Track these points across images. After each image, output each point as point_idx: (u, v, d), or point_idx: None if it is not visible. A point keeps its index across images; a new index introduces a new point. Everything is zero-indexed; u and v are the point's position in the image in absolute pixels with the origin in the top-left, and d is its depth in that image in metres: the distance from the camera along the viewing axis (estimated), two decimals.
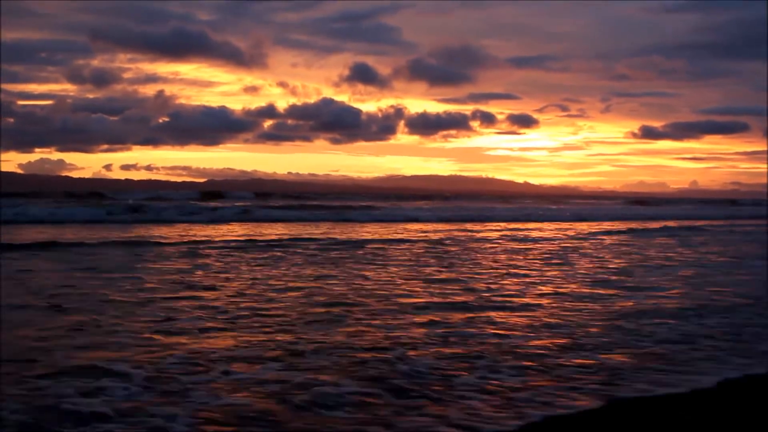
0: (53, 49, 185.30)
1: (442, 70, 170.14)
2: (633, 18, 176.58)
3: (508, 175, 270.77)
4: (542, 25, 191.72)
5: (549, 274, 13.46)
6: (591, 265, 15.16)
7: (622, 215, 50.28)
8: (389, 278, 12.52)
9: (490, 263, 15.47)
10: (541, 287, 11.60)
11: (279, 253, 17.21)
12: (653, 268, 14.73)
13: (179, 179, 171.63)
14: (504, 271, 13.78)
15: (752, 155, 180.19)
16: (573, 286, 11.80)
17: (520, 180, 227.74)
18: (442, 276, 12.93)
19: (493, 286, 11.55)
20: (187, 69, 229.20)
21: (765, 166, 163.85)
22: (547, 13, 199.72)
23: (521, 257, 17.04)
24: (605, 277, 12.96)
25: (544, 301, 10.13)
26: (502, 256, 17.12)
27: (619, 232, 28.57)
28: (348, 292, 10.80)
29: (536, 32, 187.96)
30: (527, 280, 12.54)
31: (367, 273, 13.27)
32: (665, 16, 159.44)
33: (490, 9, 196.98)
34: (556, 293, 10.91)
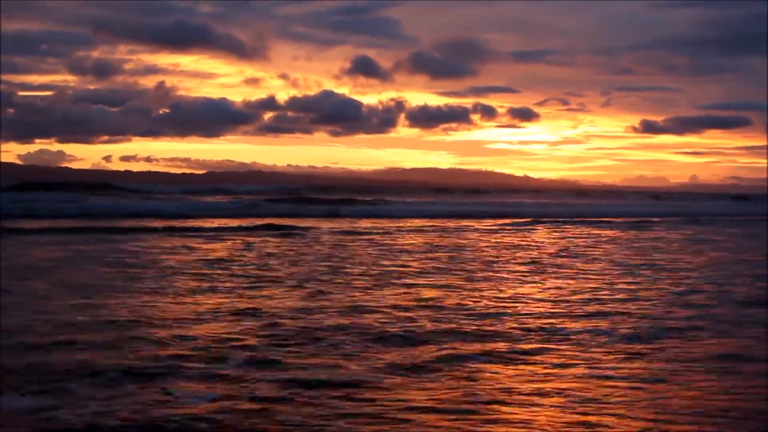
0: (54, 41, 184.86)
1: (443, 63, 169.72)
2: (634, 13, 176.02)
3: (507, 169, 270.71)
4: (544, 19, 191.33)
5: None
6: None
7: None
8: None
9: None
10: None
11: None
12: None
13: (179, 171, 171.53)
14: None
15: (752, 150, 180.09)
16: None
17: (519, 173, 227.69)
18: None
19: None
20: (188, 61, 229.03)
21: (765, 160, 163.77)
22: (549, 8, 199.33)
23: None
24: None
25: None
26: None
27: None
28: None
29: (538, 27, 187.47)
30: None
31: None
32: (667, 11, 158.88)
33: (491, 3, 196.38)
34: None
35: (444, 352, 8.12)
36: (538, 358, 8.09)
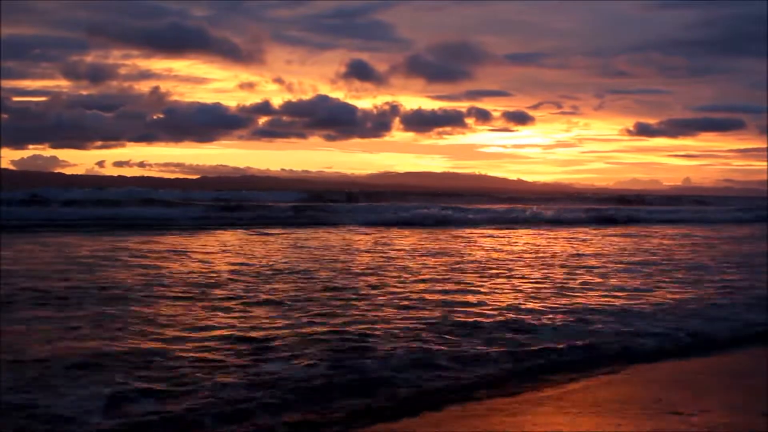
0: (48, 45, 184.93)
1: (437, 66, 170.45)
2: (628, 14, 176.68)
3: (501, 172, 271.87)
4: (538, 21, 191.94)
5: None
6: None
7: None
8: None
9: None
10: None
11: None
12: None
13: (172, 176, 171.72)
14: None
15: (745, 152, 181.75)
16: None
17: (513, 177, 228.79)
18: None
19: None
20: (181, 65, 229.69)
21: (758, 163, 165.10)
22: (543, 10, 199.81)
23: None
24: None
25: None
26: None
27: None
28: None
29: (532, 28, 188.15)
30: None
31: None
32: (660, 12, 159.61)
33: (485, 5, 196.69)
34: None
35: None
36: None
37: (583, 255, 20.30)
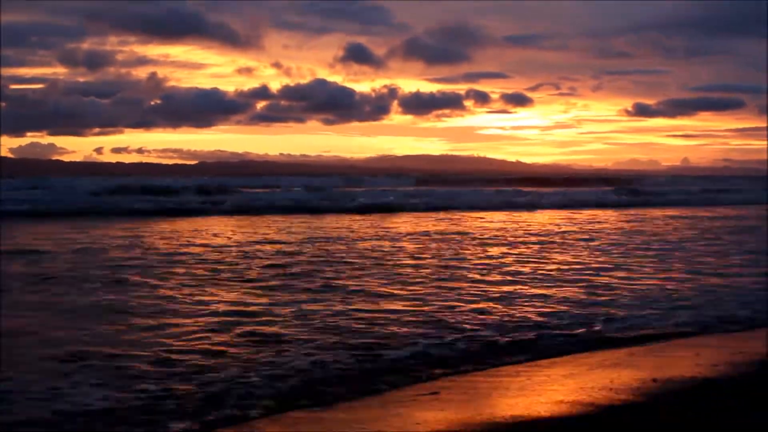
0: (45, 33, 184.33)
1: (436, 49, 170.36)
2: None
3: (499, 154, 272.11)
4: (536, 3, 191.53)
5: None
6: None
7: None
8: None
9: None
10: None
11: None
12: None
13: (170, 162, 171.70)
14: None
15: (744, 132, 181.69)
16: None
17: (512, 159, 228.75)
18: None
19: None
20: (178, 51, 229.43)
21: (758, 142, 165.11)
22: None
23: None
24: None
25: None
26: None
27: None
28: None
29: (530, 10, 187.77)
30: None
31: None
32: None
33: None
34: None
35: None
36: None
37: None
